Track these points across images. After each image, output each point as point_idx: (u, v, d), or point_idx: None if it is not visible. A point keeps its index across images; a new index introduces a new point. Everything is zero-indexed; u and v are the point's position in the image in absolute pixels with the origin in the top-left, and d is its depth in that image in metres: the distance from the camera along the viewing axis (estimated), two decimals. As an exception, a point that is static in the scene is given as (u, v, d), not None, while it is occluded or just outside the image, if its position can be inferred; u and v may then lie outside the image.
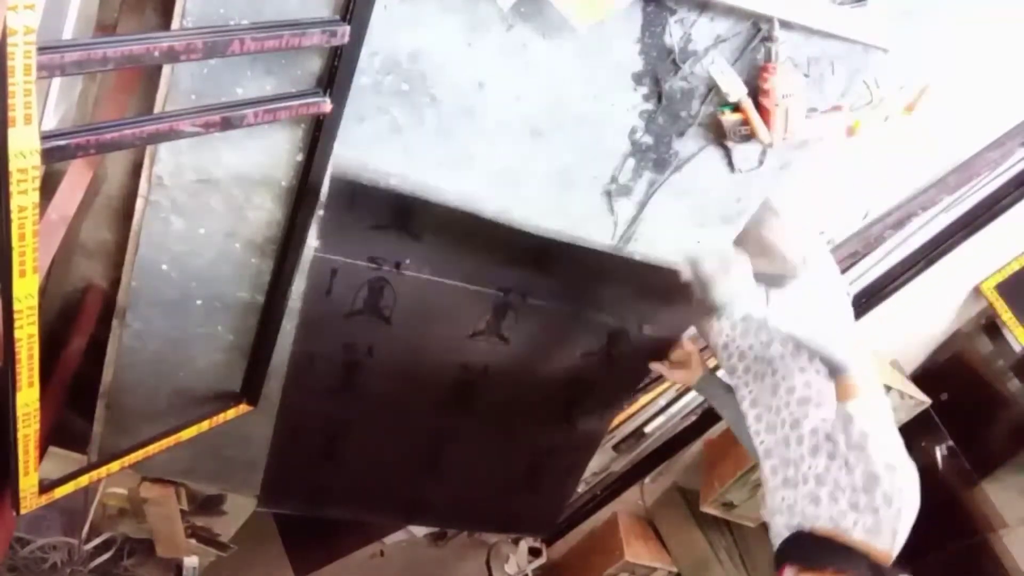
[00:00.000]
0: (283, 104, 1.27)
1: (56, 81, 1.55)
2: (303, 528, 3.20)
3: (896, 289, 2.93)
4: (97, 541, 2.82)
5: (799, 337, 1.56)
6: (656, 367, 1.84)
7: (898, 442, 1.37)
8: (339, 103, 1.32)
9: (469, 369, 1.93)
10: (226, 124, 1.23)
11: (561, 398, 2.09)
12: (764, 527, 3.85)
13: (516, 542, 3.92)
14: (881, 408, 1.43)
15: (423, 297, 1.75)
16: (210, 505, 2.77)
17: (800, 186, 2.21)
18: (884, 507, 1.28)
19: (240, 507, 2.80)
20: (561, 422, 2.15)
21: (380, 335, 1.81)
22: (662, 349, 1.99)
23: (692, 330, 1.99)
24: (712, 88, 1.51)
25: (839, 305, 1.66)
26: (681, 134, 1.58)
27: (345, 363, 1.86)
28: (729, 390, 1.76)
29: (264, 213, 1.51)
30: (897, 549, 1.29)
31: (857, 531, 1.28)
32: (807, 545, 1.33)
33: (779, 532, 1.40)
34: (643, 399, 2.92)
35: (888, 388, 3.01)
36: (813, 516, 1.33)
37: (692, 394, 3.21)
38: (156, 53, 1.07)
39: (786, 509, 1.39)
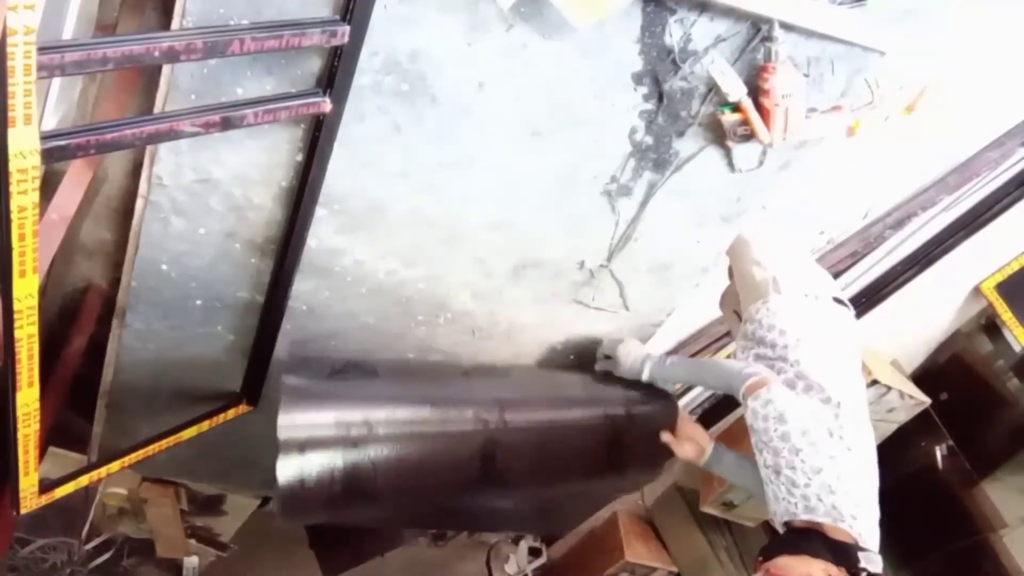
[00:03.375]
0: (283, 104, 1.27)
1: (56, 81, 1.55)
2: (330, 536, 3.21)
3: (896, 289, 2.94)
4: (97, 541, 2.83)
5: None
6: (667, 438, 1.81)
7: (802, 415, 1.40)
8: (339, 103, 1.32)
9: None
10: (226, 124, 1.23)
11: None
12: (764, 527, 3.88)
13: (516, 542, 3.92)
14: (778, 393, 1.45)
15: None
16: (210, 505, 2.77)
17: (800, 186, 2.21)
18: (796, 478, 1.33)
19: (240, 507, 2.80)
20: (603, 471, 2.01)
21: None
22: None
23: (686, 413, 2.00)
24: (712, 88, 1.51)
25: (812, 317, 1.68)
26: (681, 134, 1.58)
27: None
28: (740, 458, 1.74)
29: (264, 213, 1.51)
30: (854, 524, 1.32)
31: (801, 513, 1.33)
32: (776, 540, 1.39)
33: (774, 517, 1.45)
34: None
35: (888, 388, 3.02)
36: (780, 513, 1.39)
37: (692, 394, 3.21)
38: (156, 53, 1.07)
39: (772, 515, 1.44)
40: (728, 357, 1.89)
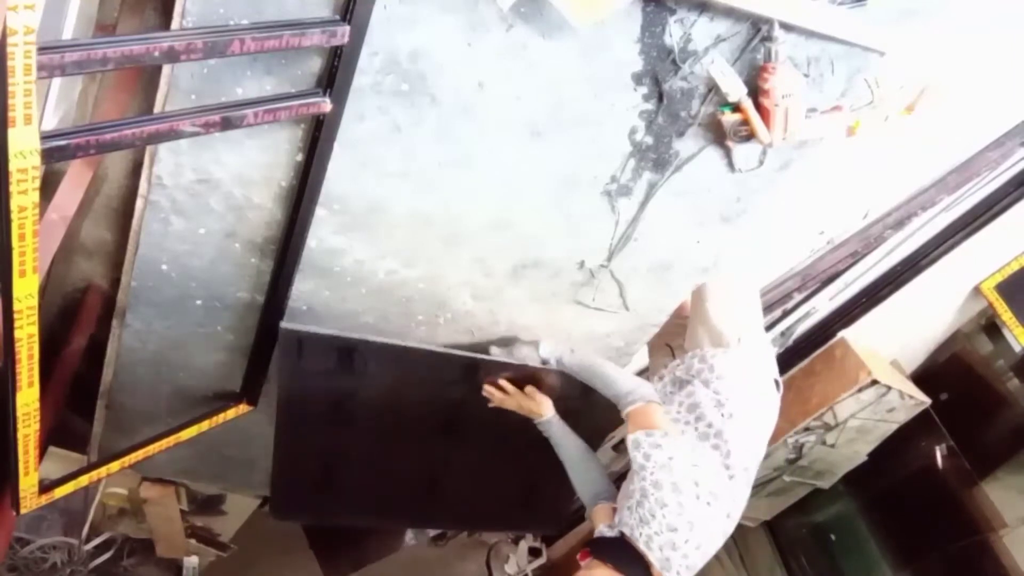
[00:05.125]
0: (283, 104, 1.27)
1: (56, 81, 1.55)
2: (331, 535, 3.23)
3: (896, 289, 2.94)
4: (97, 541, 2.83)
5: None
6: (507, 386, 1.86)
7: (678, 471, 1.47)
8: (339, 103, 1.32)
9: (451, 402, 1.96)
10: (226, 124, 1.23)
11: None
12: (764, 527, 3.87)
13: (516, 542, 3.92)
14: (670, 443, 1.53)
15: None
16: (210, 505, 2.77)
17: (800, 186, 2.21)
18: (651, 521, 1.42)
19: (240, 507, 2.80)
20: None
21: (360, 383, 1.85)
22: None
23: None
24: (712, 88, 1.51)
25: (756, 388, 1.74)
26: (681, 134, 1.58)
27: (332, 402, 1.88)
28: (568, 435, 1.83)
29: (264, 213, 1.51)
30: (671, 569, 1.42)
31: (641, 543, 1.43)
32: (610, 543, 1.49)
33: (607, 532, 1.53)
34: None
35: (888, 388, 3.02)
36: (619, 522, 1.49)
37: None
38: (156, 53, 1.07)
39: (619, 521, 1.51)
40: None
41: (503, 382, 1.87)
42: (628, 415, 1.62)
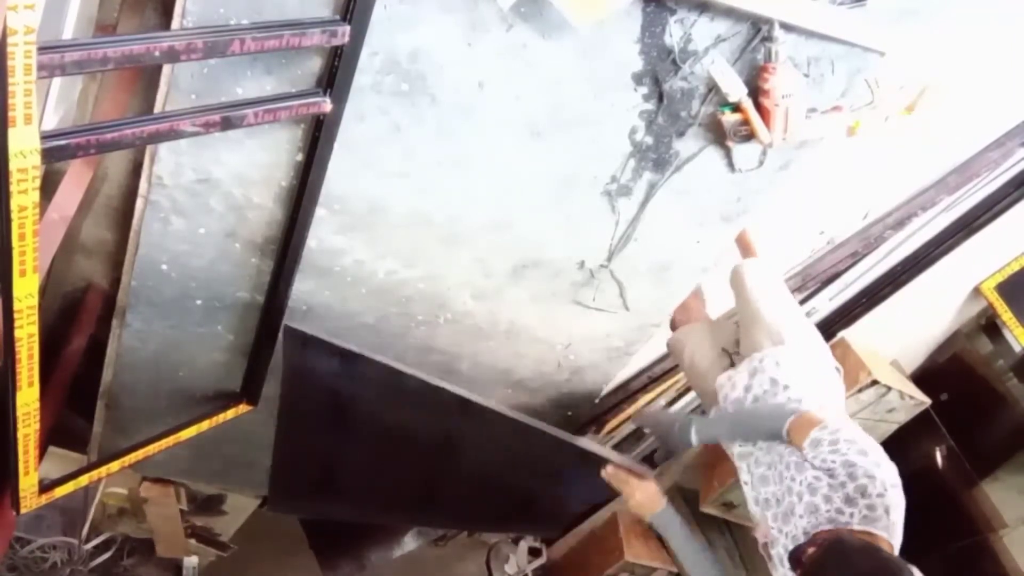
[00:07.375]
0: (283, 104, 1.27)
1: (56, 81, 1.55)
2: (331, 535, 3.23)
3: (896, 289, 2.93)
4: (97, 541, 2.83)
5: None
6: (613, 472, 1.73)
7: (866, 438, 1.48)
8: (339, 103, 1.32)
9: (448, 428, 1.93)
10: (226, 124, 1.23)
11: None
12: (764, 527, 3.73)
13: (516, 542, 3.92)
14: (847, 420, 1.51)
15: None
16: (210, 505, 2.77)
17: (800, 186, 2.21)
18: (871, 485, 1.36)
19: (240, 507, 2.80)
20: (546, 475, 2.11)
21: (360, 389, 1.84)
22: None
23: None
24: (712, 88, 1.51)
25: (812, 374, 1.69)
26: (681, 134, 1.58)
27: (334, 402, 1.87)
28: (690, 527, 1.73)
29: (264, 213, 1.51)
30: (896, 534, 1.36)
31: (856, 522, 1.33)
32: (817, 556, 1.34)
33: (784, 555, 1.43)
34: (643, 399, 2.92)
35: (888, 388, 3.02)
36: (814, 526, 1.37)
37: (692, 394, 3.21)
38: (156, 53, 1.07)
39: (791, 541, 1.42)
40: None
41: (622, 473, 1.73)
42: (789, 432, 1.50)
